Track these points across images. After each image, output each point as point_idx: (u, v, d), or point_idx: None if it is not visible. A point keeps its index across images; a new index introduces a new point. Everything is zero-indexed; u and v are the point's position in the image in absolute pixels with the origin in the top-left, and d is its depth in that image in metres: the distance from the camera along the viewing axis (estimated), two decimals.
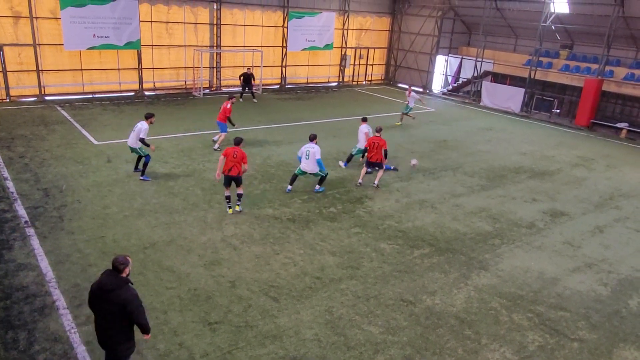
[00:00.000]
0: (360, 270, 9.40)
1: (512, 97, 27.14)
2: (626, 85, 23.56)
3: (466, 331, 7.87)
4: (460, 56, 31.37)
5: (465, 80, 30.95)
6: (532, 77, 26.24)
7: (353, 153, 15.44)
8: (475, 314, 8.35)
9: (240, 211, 11.55)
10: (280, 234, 10.61)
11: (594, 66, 24.72)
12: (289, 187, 13.10)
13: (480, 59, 28.90)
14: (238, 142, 11.51)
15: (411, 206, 12.76)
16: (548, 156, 18.68)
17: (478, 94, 29.27)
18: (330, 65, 31.15)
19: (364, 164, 14.22)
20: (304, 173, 12.99)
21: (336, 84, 31.57)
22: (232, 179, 11.29)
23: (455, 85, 31.69)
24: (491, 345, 7.58)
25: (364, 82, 33.07)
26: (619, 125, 23.60)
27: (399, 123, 21.95)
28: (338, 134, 19.38)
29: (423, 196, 13.51)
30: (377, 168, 13.98)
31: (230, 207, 11.56)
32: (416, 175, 15.09)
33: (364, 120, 15.59)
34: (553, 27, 25.96)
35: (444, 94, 31.38)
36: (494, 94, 28.17)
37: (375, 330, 7.70)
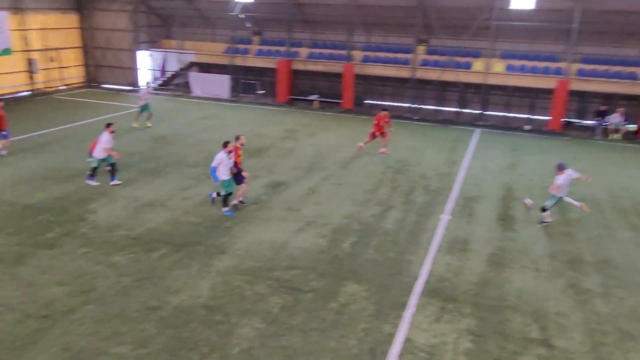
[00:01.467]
0: (96, 292, 8.67)
1: (220, 85, 28.45)
2: (309, 63, 27.23)
3: (216, 316, 8.13)
4: (163, 50, 31.06)
5: (173, 73, 30.92)
6: (233, 63, 28.00)
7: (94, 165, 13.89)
8: (222, 297, 8.68)
9: None
10: None
11: (283, 49, 27.77)
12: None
13: (182, 51, 29.21)
14: None
15: (140, 210, 12.29)
16: (260, 134, 20.35)
17: (188, 85, 29.66)
18: (15, 72, 26.82)
19: None
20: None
21: (28, 93, 27.52)
22: None
23: (164, 79, 31.35)
24: (241, 322, 8.03)
25: (62, 87, 29.73)
26: (311, 97, 27.30)
27: (149, 124, 20.97)
28: (45, 149, 17.09)
29: (151, 197, 13.14)
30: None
31: None
32: (140, 177, 14.55)
33: (108, 126, 13.94)
34: (242, 15, 27.94)
35: (154, 89, 30.68)
36: (202, 84, 28.99)
37: (125, 349, 7.26)
